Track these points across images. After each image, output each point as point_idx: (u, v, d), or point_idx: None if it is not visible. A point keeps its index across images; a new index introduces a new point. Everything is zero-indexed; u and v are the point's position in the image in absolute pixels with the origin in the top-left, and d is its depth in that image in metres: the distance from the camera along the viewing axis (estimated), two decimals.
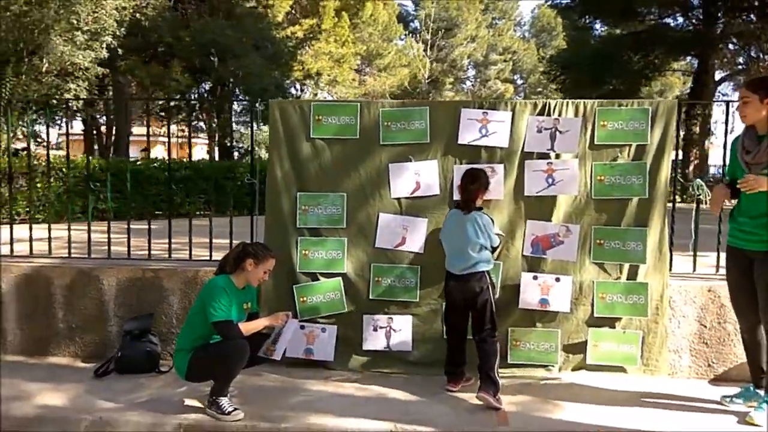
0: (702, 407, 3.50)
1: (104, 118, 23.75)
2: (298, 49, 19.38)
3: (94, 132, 24.55)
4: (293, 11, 20.39)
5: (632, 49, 20.93)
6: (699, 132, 20.05)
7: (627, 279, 3.93)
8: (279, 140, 4.13)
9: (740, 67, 24.23)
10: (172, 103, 10.97)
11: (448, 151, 4.04)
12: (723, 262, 3.64)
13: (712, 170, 18.11)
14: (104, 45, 10.38)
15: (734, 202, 3.34)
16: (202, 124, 22.79)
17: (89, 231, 4.60)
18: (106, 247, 4.61)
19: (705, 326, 3.93)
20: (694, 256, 4.18)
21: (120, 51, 11.78)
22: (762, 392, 3.41)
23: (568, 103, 3.99)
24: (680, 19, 21.40)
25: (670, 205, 4.08)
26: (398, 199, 4.07)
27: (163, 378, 3.88)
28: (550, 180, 3.94)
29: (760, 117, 3.15)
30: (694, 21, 20.87)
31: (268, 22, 17.41)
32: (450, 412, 3.40)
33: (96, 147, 24.20)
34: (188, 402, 3.50)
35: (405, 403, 3.52)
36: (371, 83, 30.37)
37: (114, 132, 21.40)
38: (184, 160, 11.75)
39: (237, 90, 16.27)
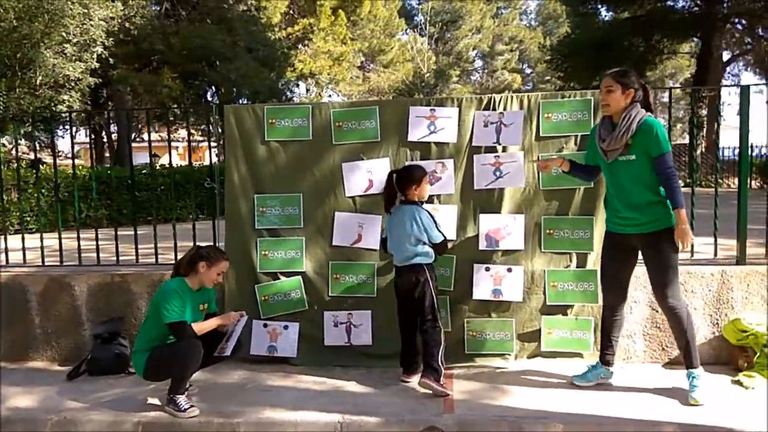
0: (650, 390, 3.55)
1: (113, 126, 24.19)
2: (293, 50, 19.51)
3: (104, 141, 25.03)
4: (291, 11, 20.52)
5: (633, 33, 20.67)
6: (707, 115, 19.81)
7: (577, 267, 3.99)
8: (235, 144, 4.24)
9: (748, 46, 23.85)
10: (167, 111, 11.18)
11: (399, 149, 4.13)
12: None
13: (727, 152, 17.52)
14: (95, 56, 10.64)
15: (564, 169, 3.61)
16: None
17: (60, 239, 4.78)
18: (91, 254, 4.78)
19: (656, 310, 3.96)
20: None
21: (111, 60, 12.01)
22: (606, 368, 3.64)
23: (512, 96, 4.05)
24: (682, 2, 21.09)
25: None
26: (353, 197, 4.17)
27: (130, 379, 4.03)
28: (497, 173, 4.01)
29: (620, 107, 3.27)
30: (697, 2, 20.54)
31: (261, 25, 17.57)
32: (399, 401, 3.50)
33: (107, 155, 24.65)
34: (151, 401, 3.64)
35: (357, 395, 3.63)
36: (375, 79, 30.40)
37: (118, 140, 21.82)
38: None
39: (232, 93, 16.47)
